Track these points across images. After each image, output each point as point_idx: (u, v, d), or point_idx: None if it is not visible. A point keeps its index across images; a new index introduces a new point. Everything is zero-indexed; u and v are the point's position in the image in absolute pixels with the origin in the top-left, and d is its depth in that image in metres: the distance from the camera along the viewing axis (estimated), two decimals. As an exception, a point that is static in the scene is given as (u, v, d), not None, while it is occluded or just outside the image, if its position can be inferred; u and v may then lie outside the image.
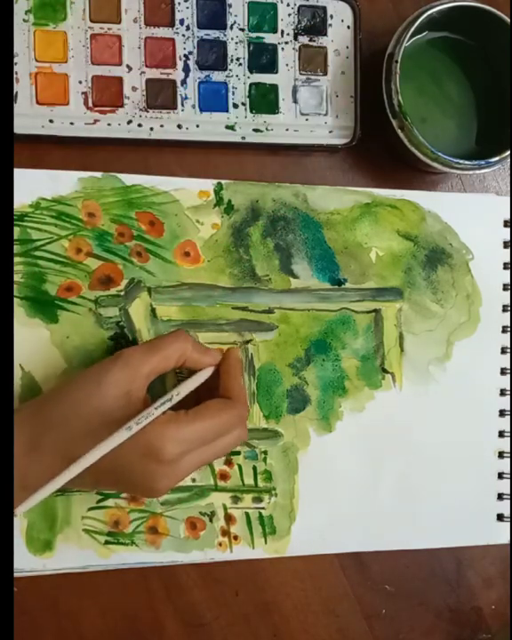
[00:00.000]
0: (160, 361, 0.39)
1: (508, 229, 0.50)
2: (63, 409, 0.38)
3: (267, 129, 0.47)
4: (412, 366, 0.49)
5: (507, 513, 0.50)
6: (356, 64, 0.47)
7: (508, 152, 0.45)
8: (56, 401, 0.39)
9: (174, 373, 0.45)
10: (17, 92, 0.44)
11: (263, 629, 0.48)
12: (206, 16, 0.46)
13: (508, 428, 0.50)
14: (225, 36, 0.46)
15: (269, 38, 0.47)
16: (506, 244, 0.50)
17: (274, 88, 0.47)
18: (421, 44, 0.47)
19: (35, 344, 0.44)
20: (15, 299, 0.44)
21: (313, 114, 0.47)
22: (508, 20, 0.45)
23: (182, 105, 0.46)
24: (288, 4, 0.47)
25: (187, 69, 0.46)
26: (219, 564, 0.47)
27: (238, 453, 0.47)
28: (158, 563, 0.46)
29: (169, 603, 0.47)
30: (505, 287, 0.50)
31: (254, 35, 0.46)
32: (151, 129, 0.45)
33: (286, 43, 0.47)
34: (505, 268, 0.50)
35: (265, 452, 0.47)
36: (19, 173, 0.44)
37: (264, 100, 0.47)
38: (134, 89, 0.45)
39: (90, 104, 0.45)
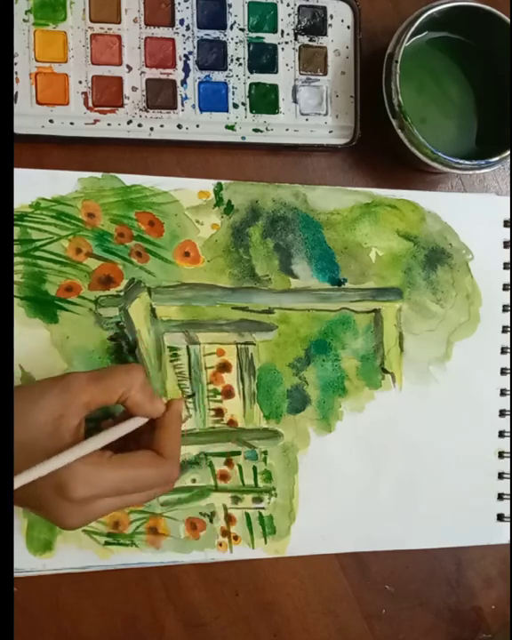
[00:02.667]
0: (101, 392, 0.38)
1: (508, 229, 0.50)
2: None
3: (267, 129, 0.47)
4: (412, 366, 0.49)
5: (507, 513, 0.50)
6: (356, 64, 0.47)
7: (508, 152, 0.45)
8: None
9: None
10: (17, 92, 0.44)
11: (263, 629, 0.48)
12: (206, 16, 0.46)
13: (507, 428, 0.50)
14: (225, 36, 0.46)
15: (269, 38, 0.47)
16: (506, 244, 0.50)
17: (274, 88, 0.47)
18: (421, 44, 0.47)
19: (35, 344, 0.44)
20: (15, 299, 0.44)
21: (313, 114, 0.47)
22: (508, 19, 0.45)
23: (182, 105, 0.46)
24: (288, 4, 0.47)
25: (187, 69, 0.46)
26: (219, 564, 0.47)
27: (238, 453, 0.47)
28: (158, 563, 0.46)
29: (169, 603, 0.47)
30: (505, 287, 0.50)
31: (254, 35, 0.46)
32: (151, 129, 0.45)
33: (286, 43, 0.47)
34: (505, 268, 0.50)
35: (265, 452, 0.47)
36: (19, 173, 0.44)
37: (264, 100, 0.47)
38: (134, 89, 0.45)
39: (90, 104, 0.45)
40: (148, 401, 0.39)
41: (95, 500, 0.37)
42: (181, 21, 0.46)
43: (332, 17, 0.47)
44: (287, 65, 0.47)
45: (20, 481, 0.35)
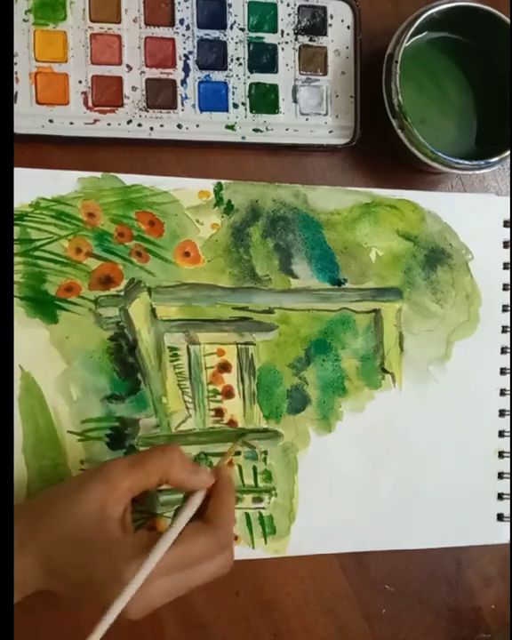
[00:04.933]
0: (141, 477, 0.37)
1: (508, 229, 0.50)
2: (46, 517, 0.37)
3: (267, 129, 0.47)
4: (412, 366, 0.49)
5: (507, 513, 0.50)
6: (356, 64, 0.47)
7: (508, 152, 0.45)
8: (41, 507, 0.38)
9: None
10: (17, 92, 0.44)
11: (263, 629, 0.48)
12: (206, 16, 0.46)
13: (508, 428, 0.50)
14: (225, 35, 0.46)
15: (269, 38, 0.47)
16: (506, 244, 0.50)
17: (274, 88, 0.47)
18: (421, 44, 0.47)
19: (34, 344, 0.44)
20: (15, 299, 0.44)
21: (313, 114, 0.47)
22: (508, 20, 0.45)
23: (182, 105, 0.46)
24: (288, 4, 0.47)
25: (187, 69, 0.46)
26: (219, 564, 0.47)
27: (238, 454, 0.47)
28: (158, 563, 0.46)
29: (169, 603, 0.46)
30: (505, 287, 0.50)
31: (254, 35, 0.46)
32: (151, 129, 0.45)
33: (286, 43, 0.47)
34: (505, 268, 0.50)
35: (265, 452, 0.47)
36: (19, 173, 0.44)
37: (264, 100, 0.47)
38: (134, 89, 0.45)
39: (90, 104, 0.45)
40: (192, 477, 0.39)
41: (152, 582, 0.36)
42: (181, 21, 0.46)
43: (332, 17, 0.47)
44: (287, 65, 0.47)
45: (108, 620, 0.35)
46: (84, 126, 0.45)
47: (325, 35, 0.47)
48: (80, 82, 0.45)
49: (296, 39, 0.47)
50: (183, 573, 0.37)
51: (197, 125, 0.46)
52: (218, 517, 0.39)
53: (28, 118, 0.44)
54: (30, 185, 0.45)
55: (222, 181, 0.47)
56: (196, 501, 0.39)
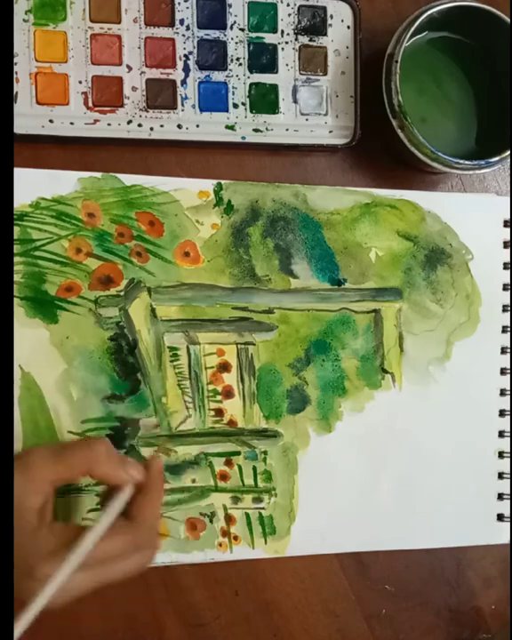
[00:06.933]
0: (64, 470, 0.36)
1: (508, 229, 0.50)
2: None
3: (267, 129, 0.47)
4: (412, 366, 0.49)
5: (507, 513, 0.50)
6: (356, 64, 0.47)
7: (508, 152, 0.45)
8: None
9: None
10: (17, 92, 0.44)
11: (263, 629, 0.48)
12: (206, 16, 0.46)
13: (507, 428, 0.50)
14: (225, 36, 0.46)
15: (269, 38, 0.47)
16: (506, 244, 0.50)
17: (274, 88, 0.47)
18: (421, 44, 0.47)
19: (34, 344, 0.44)
20: (15, 299, 0.44)
21: (313, 114, 0.47)
22: (508, 19, 0.45)
23: (182, 105, 0.46)
24: (288, 4, 0.47)
25: (187, 69, 0.46)
26: (219, 564, 0.47)
27: (238, 454, 0.47)
28: (158, 563, 0.46)
29: (169, 603, 0.47)
30: (505, 287, 0.50)
31: (254, 35, 0.46)
32: (151, 129, 0.45)
33: (286, 43, 0.47)
34: (505, 268, 0.50)
35: (265, 453, 0.47)
36: (19, 173, 0.44)
37: (264, 100, 0.47)
38: (134, 89, 0.45)
39: (90, 104, 0.45)
40: (118, 471, 0.37)
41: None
42: (181, 21, 0.46)
43: (331, 17, 0.47)
44: (287, 65, 0.47)
45: (27, 618, 0.33)
46: (84, 126, 0.45)
47: (325, 35, 0.47)
48: (80, 82, 0.45)
49: (296, 39, 0.47)
50: (99, 569, 0.36)
51: (197, 125, 0.46)
52: (140, 515, 0.37)
53: (28, 118, 0.44)
54: (30, 185, 0.45)
55: (222, 181, 0.47)
56: (123, 497, 0.37)
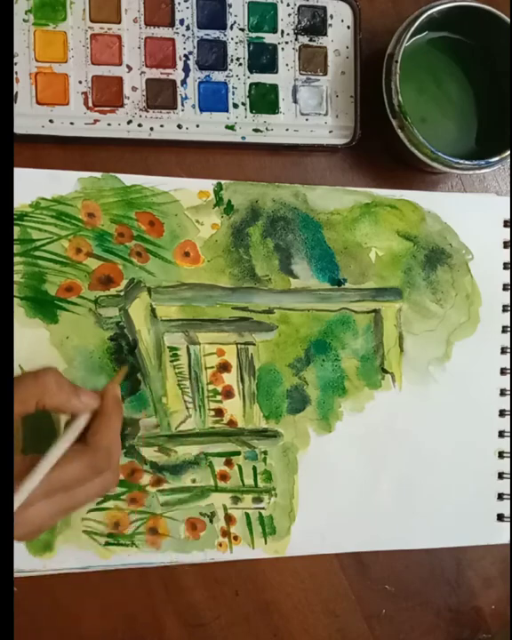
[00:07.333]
0: (16, 405, 0.35)
1: (508, 229, 0.50)
2: None
3: (267, 129, 0.47)
4: (412, 366, 0.49)
5: (507, 513, 0.50)
6: (356, 64, 0.47)
7: (508, 152, 0.45)
8: None
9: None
10: (17, 92, 0.44)
11: (263, 629, 0.48)
12: (206, 16, 0.46)
13: (507, 428, 0.50)
14: (225, 35, 0.46)
15: (269, 38, 0.47)
16: (506, 244, 0.50)
17: (274, 88, 0.47)
18: (421, 44, 0.47)
19: (34, 344, 0.44)
20: (15, 299, 0.44)
21: (313, 114, 0.47)
22: (508, 19, 0.45)
23: (182, 105, 0.46)
24: (288, 4, 0.47)
25: (187, 69, 0.46)
26: (219, 564, 0.47)
27: (238, 454, 0.47)
28: (158, 563, 0.46)
29: (169, 603, 0.47)
30: (505, 287, 0.50)
31: (254, 35, 0.46)
32: (151, 129, 0.45)
33: (286, 43, 0.47)
34: (505, 268, 0.50)
35: (265, 453, 0.47)
36: (19, 173, 0.44)
37: (264, 100, 0.47)
38: (134, 89, 0.45)
39: (90, 104, 0.45)
40: (72, 400, 0.37)
41: (25, 508, 0.34)
42: (181, 21, 0.46)
43: (332, 17, 0.47)
44: (287, 65, 0.47)
45: None
46: (84, 126, 0.45)
47: (325, 35, 0.47)
48: (80, 82, 0.45)
49: (296, 39, 0.47)
50: (61, 496, 0.36)
51: (197, 125, 0.46)
52: (97, 440, 0.37)
53: (28, 118, 0.44)
54: (30, 185, 0.45)
55: (222, 181, 0.47)
56: (77, 424, 0.37)
